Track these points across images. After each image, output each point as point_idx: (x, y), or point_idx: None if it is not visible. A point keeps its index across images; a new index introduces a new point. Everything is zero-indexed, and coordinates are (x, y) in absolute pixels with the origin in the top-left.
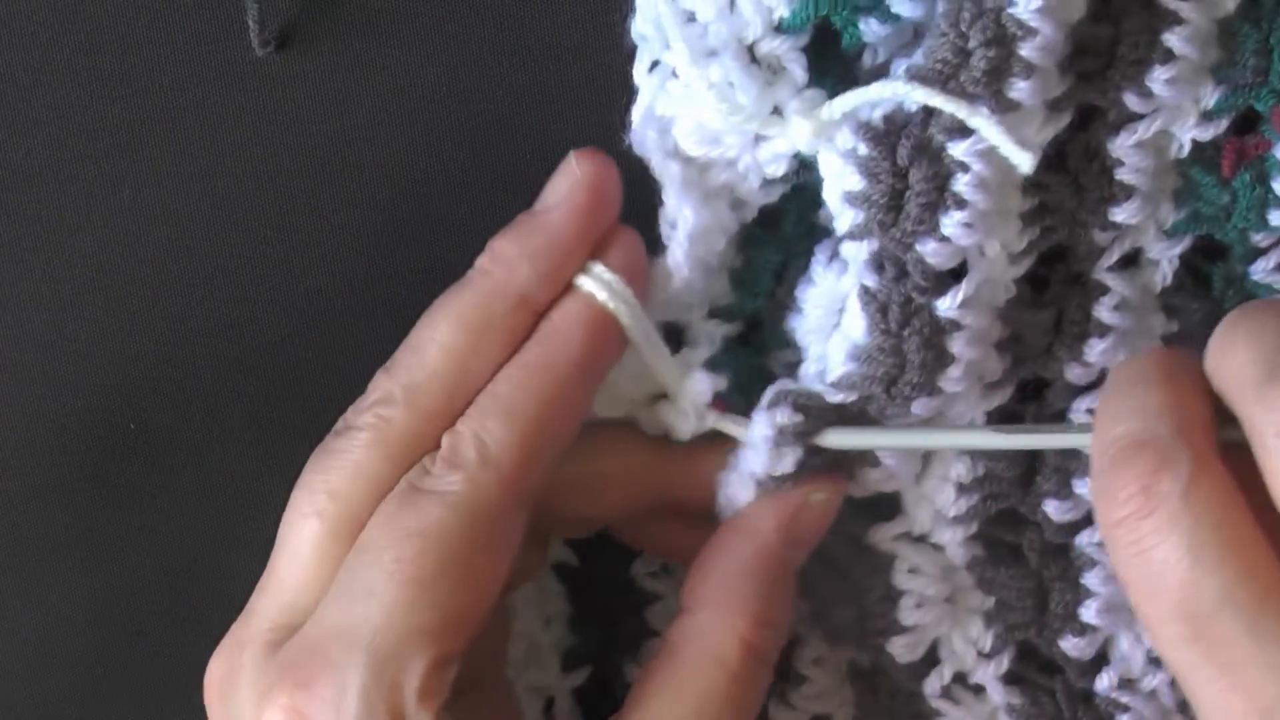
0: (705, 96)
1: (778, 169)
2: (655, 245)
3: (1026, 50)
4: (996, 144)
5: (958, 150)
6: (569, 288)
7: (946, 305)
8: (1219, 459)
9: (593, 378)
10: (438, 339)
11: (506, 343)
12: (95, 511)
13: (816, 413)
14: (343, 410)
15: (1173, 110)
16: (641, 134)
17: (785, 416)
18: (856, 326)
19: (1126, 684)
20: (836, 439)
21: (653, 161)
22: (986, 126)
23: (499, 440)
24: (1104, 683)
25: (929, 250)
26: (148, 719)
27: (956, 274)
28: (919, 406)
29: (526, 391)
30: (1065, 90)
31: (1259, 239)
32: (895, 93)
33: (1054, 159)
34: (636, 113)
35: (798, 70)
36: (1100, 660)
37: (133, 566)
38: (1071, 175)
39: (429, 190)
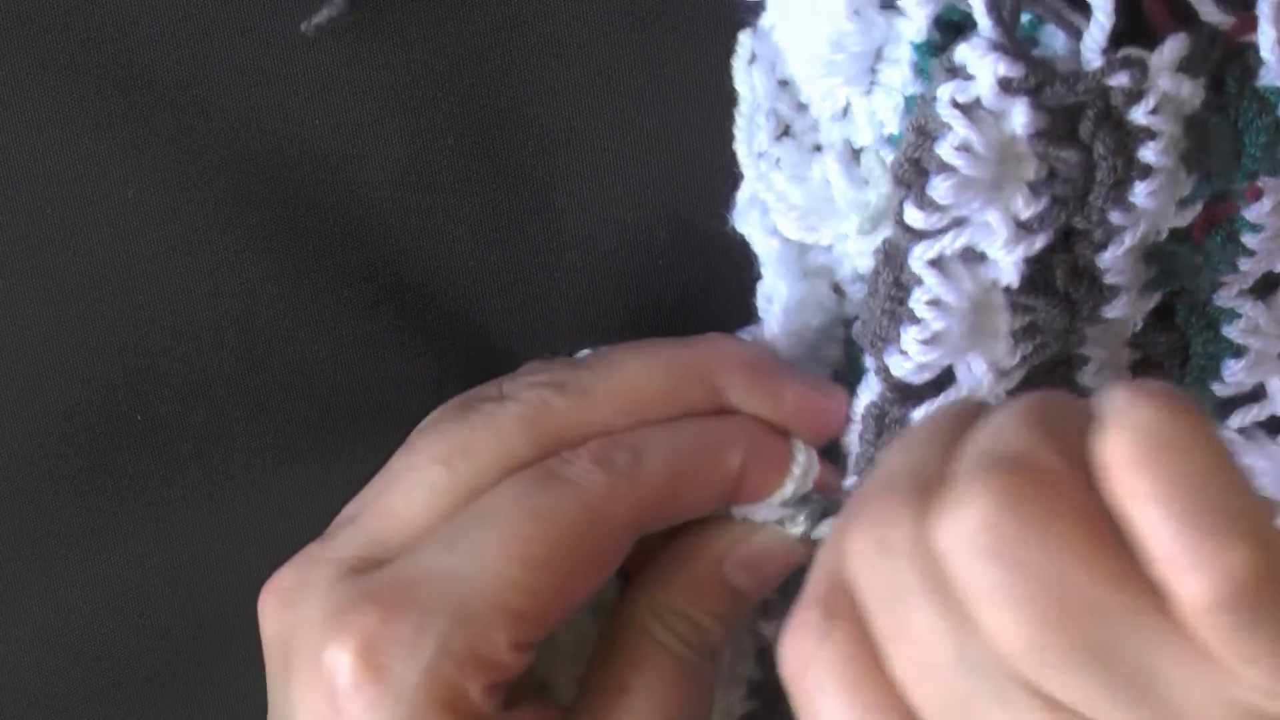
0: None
1: (866, 264)
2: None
3: (941, 147)
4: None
5: (914, 262)
6: (788, 436)
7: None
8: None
9: (728, 501)
10: (635, 368)
11: (676, 410)
12: (101, 503)
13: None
14: (347, 404)
15: (1155, 214)
16: (745, 213)
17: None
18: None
19: None
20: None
21: (753, 239)
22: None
23: (656, 468)
24: None
25: (894, 362)
26: (153, 712)
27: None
28: None
29: (704, 453)
30: (1039, 212)
31: (1225, 278)
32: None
33: (1039, 281)
34: (742, 194)
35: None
36: None
37: (139, 558)
38: (1061, 294)
39: (433, 184)
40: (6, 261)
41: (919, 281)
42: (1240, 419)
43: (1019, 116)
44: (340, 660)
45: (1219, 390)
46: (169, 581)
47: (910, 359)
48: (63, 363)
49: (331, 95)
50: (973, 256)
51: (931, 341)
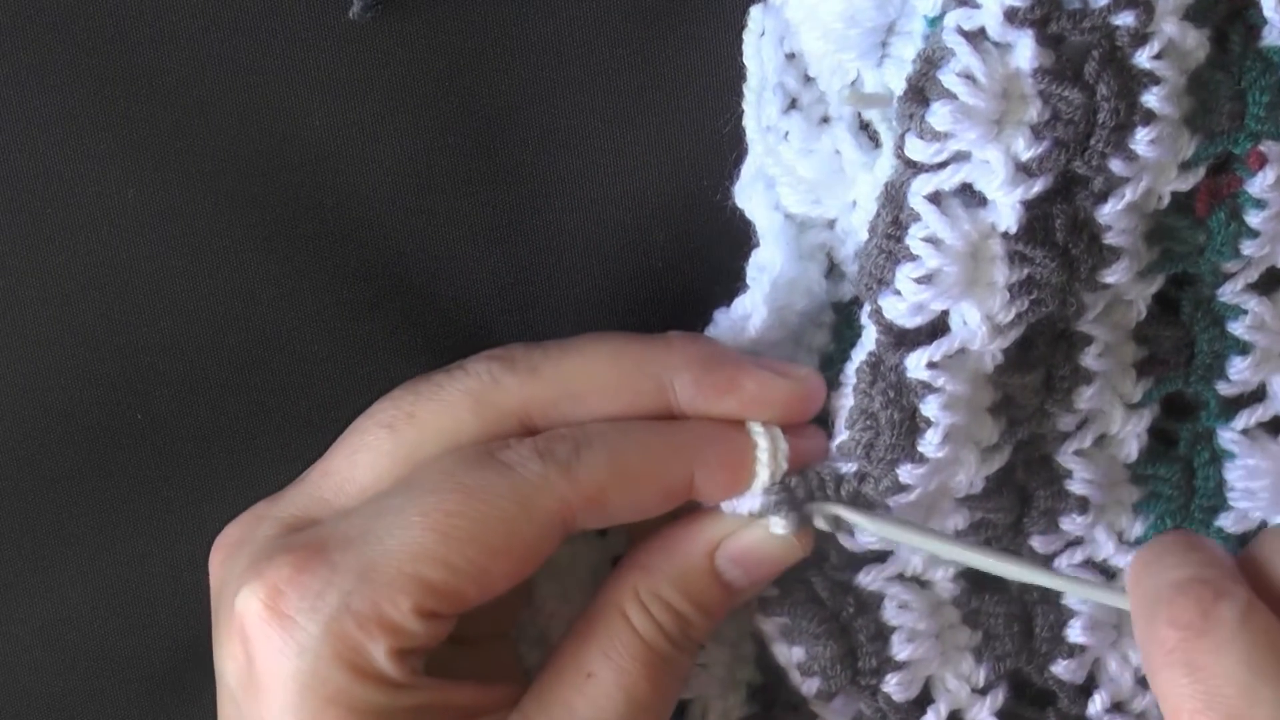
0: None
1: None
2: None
3: (944, 73)
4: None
5: (912, 198)
6: (741, 424)
7: (914, 364)
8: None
9: (690, 498)
10: (585, 354)
11: (629, 405)
12: (102, 502)
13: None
14: (347, 404)
15: (1156, 169)
16: (749, 188)
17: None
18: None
19: (1117, 706)
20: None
21: (755, 214)
22: None
23: (594, 466)
24: (1095, 707)
25: (888, 303)
26: (154, 710)
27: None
28: (907, 474)
29: (645, 457)
30: (1039, 154)
31: (1229, 265)
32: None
33: (1040, 231)
34: (747, 169)
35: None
36: (1090, 685)
37: (139, 557)
38: (1060, 247)
39: (432, 183)
40: (6, 261)
41: (916, 218)
42: (1245, 420)
43: (1024, 50)
44: (250, 606)
45: (1223, 389)
46: (169, 581)
47: (904, 299)
48: (63, 362)
49: (331, 95)
50: (972, 200)
51: (926, 280)
